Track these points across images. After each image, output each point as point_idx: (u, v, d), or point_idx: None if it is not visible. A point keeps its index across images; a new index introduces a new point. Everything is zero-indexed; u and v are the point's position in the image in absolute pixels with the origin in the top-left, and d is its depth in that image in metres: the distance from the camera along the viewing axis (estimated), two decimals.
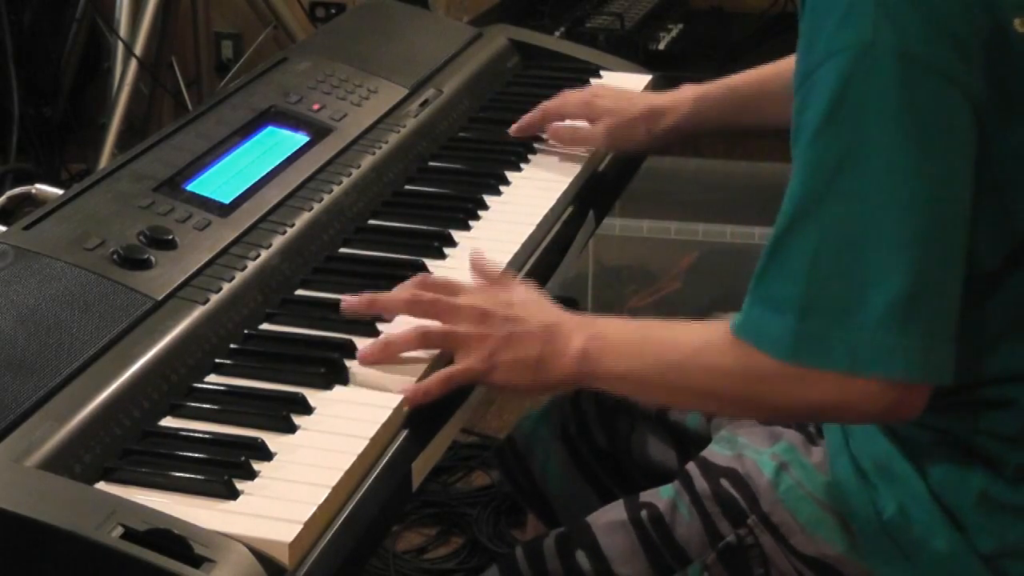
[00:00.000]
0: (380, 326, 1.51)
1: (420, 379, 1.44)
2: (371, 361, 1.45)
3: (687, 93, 1.94)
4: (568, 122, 1.96)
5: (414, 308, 1.49)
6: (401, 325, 1.50)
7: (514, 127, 1.97)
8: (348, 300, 1.50)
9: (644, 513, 1.56)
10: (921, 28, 1.28)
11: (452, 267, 1.66)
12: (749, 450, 1.54)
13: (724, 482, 1.53)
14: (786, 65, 1.79)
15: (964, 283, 1.34)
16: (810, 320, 1.31)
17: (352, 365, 1.45)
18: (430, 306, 1.49)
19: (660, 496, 1.57)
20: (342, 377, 1.43)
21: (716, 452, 1.57)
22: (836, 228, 1.30)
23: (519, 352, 1.45)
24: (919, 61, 1.27)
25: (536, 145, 1.97)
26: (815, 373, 1.31)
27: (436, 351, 1.48)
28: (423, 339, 1.47)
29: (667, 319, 1.46)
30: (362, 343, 1.47)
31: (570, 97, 1.98)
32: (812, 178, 1.31)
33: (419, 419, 1.42)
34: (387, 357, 1.45)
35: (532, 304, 1.50)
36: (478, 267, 1.56)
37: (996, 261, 1.37)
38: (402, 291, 1.51)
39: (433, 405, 1.44)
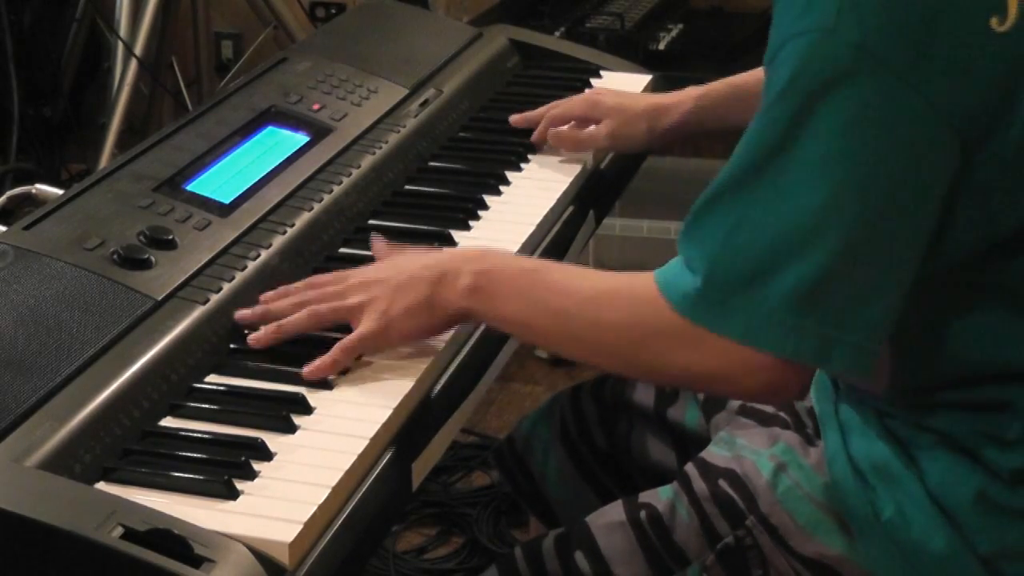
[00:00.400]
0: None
1: (421, 376, 1.44)
2: (263, 345, 1.45)
3: (690, 92, 1.94)
4: (568, 127, 1.96)
5: (310, 313, 1.48)
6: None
7: (516, 117, 1.98)
8: (242, 313, 1.49)
9: (643, 514, 1.56)
10: (883, 25, 1.26)
11: None
12: (747, 451, 1.54)
13: (722, 483, 1.53)
14: None
15: (947, 275, 1.34)
16: (715, 285, 1.31)
17: (353, 365, 1.45)
18: (320, 299, 1.49)
19: (659, 497, 1.57)
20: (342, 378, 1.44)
21: (715, 453, 1.57)
22: (763, 204, 1.30)
23: (409, 298, 1.46)
24: (876, 57, 1.26)
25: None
26: (707, 336, 1.32)
27: (441, 345, 1.48)
28: (314, 317, 1.47)
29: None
30: None
31: (574, 98, 1.99)
32: (752, 151, 1.31)
33: (419, 419, 1.42)
34: (279, 341, 1.46)
35: (420, 253, 1.53)
36: (376, 250, 1.58)
37: (979, 251, 1.36)
38: (291, 295, 1.51)
39: (433, 405, 1.45)
